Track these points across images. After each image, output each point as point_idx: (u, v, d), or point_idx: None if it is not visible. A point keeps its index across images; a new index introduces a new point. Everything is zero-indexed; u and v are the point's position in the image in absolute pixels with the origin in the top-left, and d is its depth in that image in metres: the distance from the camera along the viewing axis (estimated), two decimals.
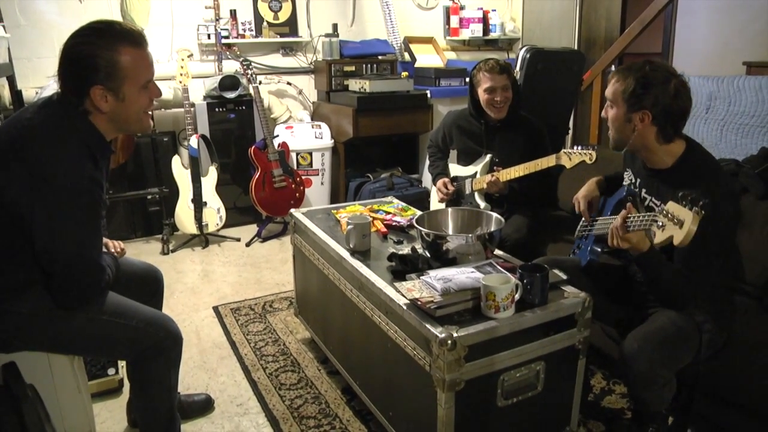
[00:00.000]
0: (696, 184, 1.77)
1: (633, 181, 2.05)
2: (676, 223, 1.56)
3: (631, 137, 1.87)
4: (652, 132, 1.84)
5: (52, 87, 3.76)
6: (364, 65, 4.80)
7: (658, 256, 1.78)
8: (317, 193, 4.69)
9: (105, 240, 1.94)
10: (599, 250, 2.07)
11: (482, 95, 2.89)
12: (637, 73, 1.82)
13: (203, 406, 2.35)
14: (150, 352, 1.81)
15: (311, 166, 4.64)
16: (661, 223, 1.62)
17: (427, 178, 4.49)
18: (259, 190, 4.22)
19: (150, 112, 1.78)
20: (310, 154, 4.61)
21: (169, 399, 1.92)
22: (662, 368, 1.73)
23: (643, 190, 1.98)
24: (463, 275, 1.81)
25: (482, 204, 2.96)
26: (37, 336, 1.71)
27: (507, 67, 2.90)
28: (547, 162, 2.61)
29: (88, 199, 1.61)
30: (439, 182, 3.14)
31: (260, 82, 4.46)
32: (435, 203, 3.35)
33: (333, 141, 4.67)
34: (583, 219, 2.23)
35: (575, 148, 2.51)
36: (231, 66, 4.68)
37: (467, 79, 4.89)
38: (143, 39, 1.68)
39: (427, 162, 3.35)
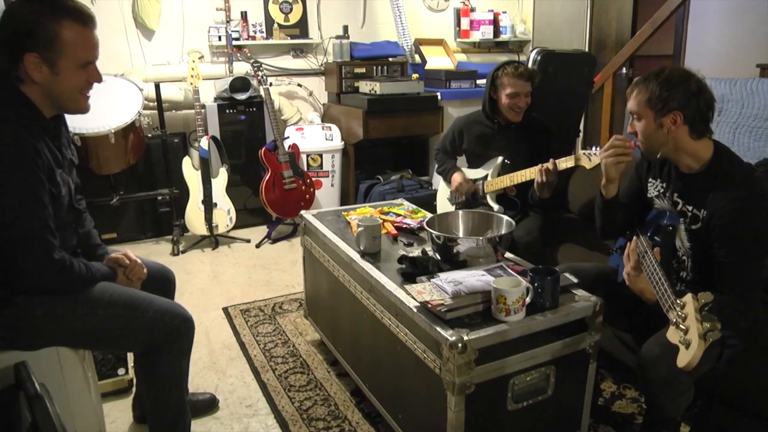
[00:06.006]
0: (728, 188, 1.77)
1: (662, 191, 2.01)
2: (683, 341, 1.44)
3: (666, 142, 1.84)
4: (685, 131, 1.82)
5: None
6: (374, 67, 4.81)
7: None
8: (327, 194, 4.69)
9: (115, 256, 1.93)
10: None
11: (504, 99, 2.87)
12: (657, 78, 1.82)
13: (207, 405, 2.36)
14: (164, 341, 1.82)
15: (321, 168, 4.64)
16: (674, 320, 1.51)
17: (437, 179, 4.48)
18: (269, 191, 4.22)
19: (88, 95, 1.73)
20: (321, 155, 4.62)
21: (180, 390, 1.93)
22: (683, 375, 1.71)
23: (675, 194, 1.94)
24: (473, 278, 1.81)
25: (495, 206, 2.95)
26: (55, 335, 1.73)
27: (533, 74, 2.88)
28: (565, 163, 2.60)
29: (13, 160, 1.54)
30: (456, 177, 3.10)
31: (271, 84, 4.47)
32: (442, 204, 3.34)
33: (343, 143, 4.67)
34: None
35: (594, 148, 2.48)
36: (241, 68, 4.70)
37: (477, 81, 4.89)
38: (91, 20, 1.66)
39: (436, 166, 3.33)
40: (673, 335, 1.49)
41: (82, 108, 1.75)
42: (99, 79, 1.74)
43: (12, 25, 1.59)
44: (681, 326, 1.46)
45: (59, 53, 1.60)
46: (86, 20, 1.64)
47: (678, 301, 1.53)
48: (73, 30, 1.61)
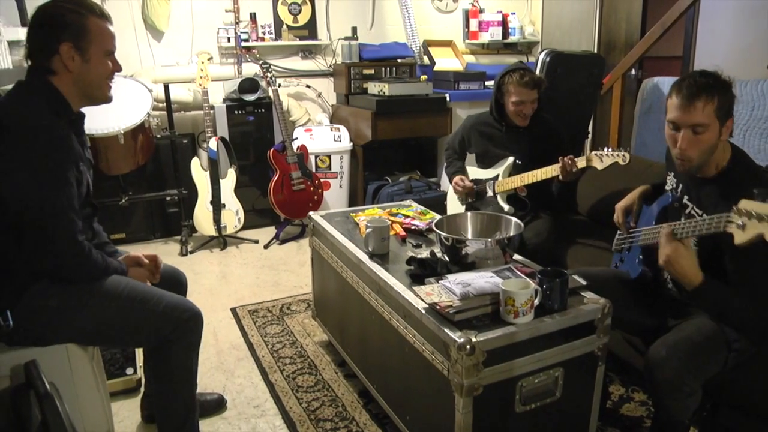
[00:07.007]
0: (739, 195, 1.75)
1: (674, 186, 2.00)
2: (765, 218, 1.44)
3: (715, 151, 1.79)
4: (727, 136, 1.80)
5: None
6: (383, 68, 4.81)
7: (717, 290, 1.72)
8: (335, 196, 4.69)
9: (135, 255, 2.00)
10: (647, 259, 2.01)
11: (510, 105, 2.89)
12: (718, 87, 1.73)
13: (215, 405, 2.38)
14: (174, 335, 1.86)
15: (330, 169, 4.65)
16: (741, 223, 1.50)
17: (445, 181, 4.48)
18: (277, 192, 4.23)
19: (111, 84, 1.88)
20: (329, 156, 4.62)
21: (190, 385, 1.96)
22: (689, 377, 1.71)
23: (685, 197, 1.93)
24: (482, 280, 1.80)
25: (505, 207, 2.95)
26: (67, 328, 1.77)
27: (539, 81, 2.88)
28: (578, 164, 2.59)
29: (46, 144, 1.65)
30: (456, 178, 3.14)
31: (279, 85, 4.48)
32: (452, 205, 3.34)
33: (352, 144, 4.68)
34: (619, 231, 2.18)
35: (606, 149, 2.47)
36: (250, 69, 4.71)
37: (486, 83, 4.89)
38: (109, 16, 1.83)
39: (445, 166, 3.34)
40: (743, 234, 1.52)
41: (107, 96, 1.88)
42: (120, 69, 1.91)
43: (46, 21, 1.74)
44: (749, 214, 1.49)
45: (89, 42, 1.76)
46: (105, 14, 1.82)
47: (733, 210, 1.55)
48: (96, 22, 1.78)
